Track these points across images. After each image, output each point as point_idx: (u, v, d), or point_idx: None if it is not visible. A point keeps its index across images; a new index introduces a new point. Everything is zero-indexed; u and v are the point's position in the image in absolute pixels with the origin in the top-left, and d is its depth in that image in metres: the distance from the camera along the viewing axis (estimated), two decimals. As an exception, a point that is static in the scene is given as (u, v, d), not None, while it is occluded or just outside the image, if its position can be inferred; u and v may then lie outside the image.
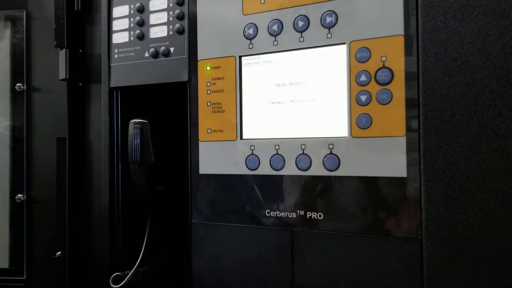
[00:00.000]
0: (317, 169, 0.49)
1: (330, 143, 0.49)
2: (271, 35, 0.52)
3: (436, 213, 0.43)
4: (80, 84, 0.70)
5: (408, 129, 0.45)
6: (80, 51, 0.70)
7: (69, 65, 0.68)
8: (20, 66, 0.73)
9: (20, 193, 0.73)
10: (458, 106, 0.42)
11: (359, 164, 0.47)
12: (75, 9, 0.69)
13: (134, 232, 0.65)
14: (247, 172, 0.53)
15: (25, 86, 0.73)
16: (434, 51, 0.43)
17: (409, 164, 0.45)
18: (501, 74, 0.41)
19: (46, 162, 0.71)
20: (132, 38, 0.62)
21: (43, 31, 0.72)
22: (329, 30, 0.49)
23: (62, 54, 0.68)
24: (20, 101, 0.73)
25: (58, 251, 0.68)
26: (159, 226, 0.66)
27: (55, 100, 0.70)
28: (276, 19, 0.52)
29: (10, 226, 0.73)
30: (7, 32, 0.74)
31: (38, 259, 0.72)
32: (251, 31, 0.53)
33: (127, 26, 0.63)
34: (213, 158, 0.55)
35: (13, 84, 0.73)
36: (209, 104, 0.56)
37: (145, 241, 0.62)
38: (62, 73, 0.68)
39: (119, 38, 0.63)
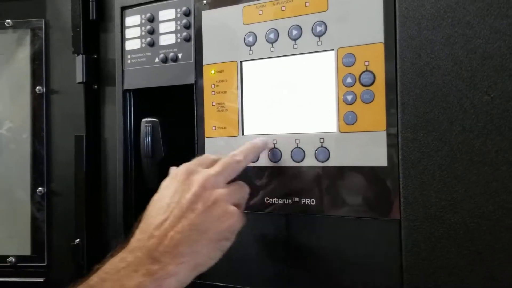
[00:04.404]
0: (310, 161, 0.55)
1: (321, 137, 0.55)
2: (269, 42, 0.58)
3: (412, 197, 0.49)
4: (95, 86, 0.76)
5: (388, 124, 0.51)
6: (95, 56, 0.75)
7: (86, 70, 0.74)
8: (40, 70, 0.79)
9: (40, 187, 0.78)
10: (430, 104, 0.48)
11: (347, 156, 0.53)
12: (91, 18, 0.74)
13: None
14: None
15: (44, 89, 0.79)
16: (410, 57, 0.49)
17: (389, 155, 0.51)
18: (466, 77, 0.47)
19: (65, 158, 0.76)
20: (143, 45, 0.69)
21: (61, 38, 0.78)
22: (319, 38, 0.55)
23: (79, 59, 0.74)
24: (40, 103, 0.79)
25: (76, 239, 0.73)
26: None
27: (72, 102, 0.76)
28: (272, 28, 0.58)
29: (32, 217, 0.78)
30: (27, 40, 0.81)
31: (58, 246, 0.77)
32: (250, 39, 0.60)
33: (138, 34, 0.69)
34: (218, 152, 0.61)
35: (33, 87, 0.79)
36: (213, 104, 0.62)
37: (156, 228, 0.68)
38: (79, 77, 0.74)
39: (131, 45, 0.70)
